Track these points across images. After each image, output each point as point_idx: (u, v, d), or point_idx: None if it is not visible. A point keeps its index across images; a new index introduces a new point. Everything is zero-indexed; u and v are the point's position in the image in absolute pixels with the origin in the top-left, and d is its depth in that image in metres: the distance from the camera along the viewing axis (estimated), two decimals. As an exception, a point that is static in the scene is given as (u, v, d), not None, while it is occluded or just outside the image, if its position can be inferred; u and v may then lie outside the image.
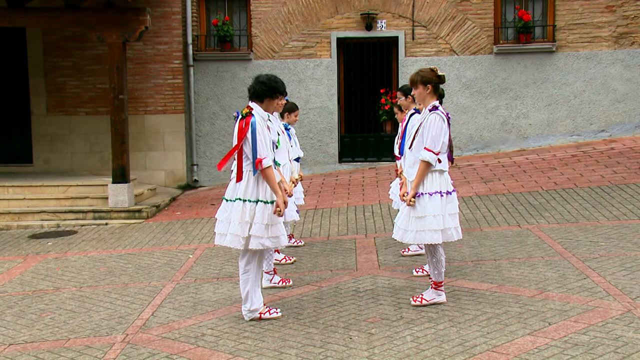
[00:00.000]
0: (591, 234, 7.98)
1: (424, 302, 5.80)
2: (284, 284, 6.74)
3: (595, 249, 7.30)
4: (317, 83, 13.98)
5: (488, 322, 5.31)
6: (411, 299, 5.92)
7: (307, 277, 7.07)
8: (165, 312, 6.22)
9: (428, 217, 5.65)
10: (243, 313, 5.79)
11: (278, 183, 5.64)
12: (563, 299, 5.73)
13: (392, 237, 6.05)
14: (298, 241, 8.54)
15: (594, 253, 7.15)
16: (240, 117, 5.64)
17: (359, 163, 14.19)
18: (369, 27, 13.83)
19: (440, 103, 5.86)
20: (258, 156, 5.50)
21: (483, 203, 10.14)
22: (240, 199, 5.61)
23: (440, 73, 5.76)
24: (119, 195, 11.30)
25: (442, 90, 6.03)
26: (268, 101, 5.71)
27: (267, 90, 5.69)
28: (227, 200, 5.73)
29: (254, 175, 5.60)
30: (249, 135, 5.53)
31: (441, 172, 5.75)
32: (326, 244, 8.59)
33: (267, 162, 5.52)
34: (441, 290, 5.85)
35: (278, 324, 5.61)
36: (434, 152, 5.63)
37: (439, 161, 5.70)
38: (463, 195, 10.66)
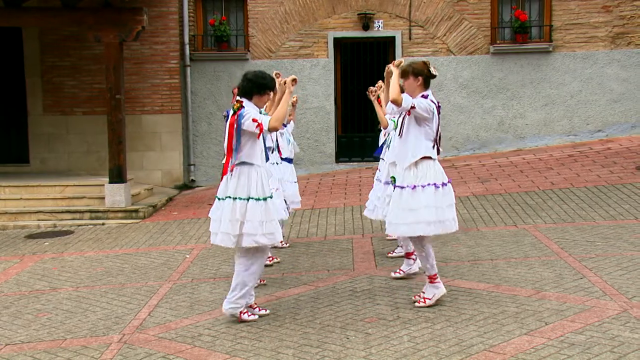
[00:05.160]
0: (588, 234, 7.99)
1: (427, 302, 5.78)
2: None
3: (591, 249, 7.31)
4: (314, 83, 13.98)
5: (485, 322, 5.32)
6: (415, 302, 5.87)
7: (304, 277, 7.07)
8: (162, 312, 6.22)
9: (421, 209, 5.64)
10: (226, 306, 5.71)
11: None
12: (560, 299, 5.74)
13: (385, 233, 6.03)
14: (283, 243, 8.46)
15: (590, 253, 7.16)
16: (232, 112, 5.64)
17: (355, 163, 14.20)
18: (366, 27, 13.84)
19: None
20: (258, 122, 5.51)
21: (480, 203, 10.15)
22: (230, 197, 5.60)
23: (432, 68, 5.76)
24: (115, 195, 11.30)
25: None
26: (257, 98, 5.72)
27: (255, 87, 5.70)
28: (219, 199, 5.73)
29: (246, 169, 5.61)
30: (240, 121, 5.55)
31: (432, 160, 5.74)
32: (323, 244, 8.59)
33: (265, 121, 5.53)
34: (438, 283, 5.83)
35: (275, 324, 5.61)
36: (410, 102, 5.59)
37: (410, 107, 5.62)
38: (460, 195, 10.66)
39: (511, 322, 5.28)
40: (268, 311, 5.88)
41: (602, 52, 13.67)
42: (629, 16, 13.58)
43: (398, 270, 6.77)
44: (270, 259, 7.54)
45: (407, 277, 6.68)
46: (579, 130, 13.83)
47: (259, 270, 5.79)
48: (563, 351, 4.64)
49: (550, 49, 13.68)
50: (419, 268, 6.62)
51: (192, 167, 13.95)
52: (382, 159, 7.67)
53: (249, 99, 5.71)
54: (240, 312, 5.72)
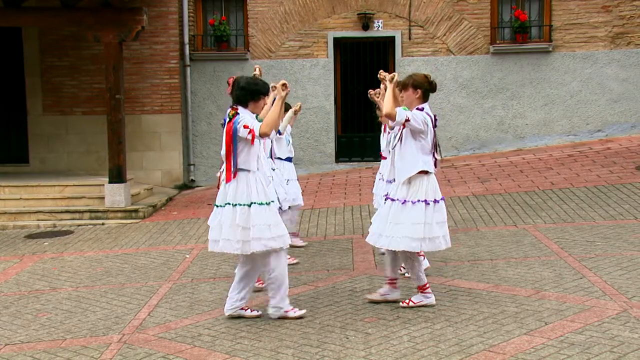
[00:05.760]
0: (587, 234, 7.99)
1: (411, 304, 5.78)
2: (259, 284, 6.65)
3: (591, 249, 7.32)
4: (313, 83, 13.98)
5: (484, 322, 5.32)
6: (400, 302, 5.89)
7: (304, 277, 7.07)
8: (162, 312, 6.22)
9: (406, 224, 5.61)
10: (270, 311, 5.74)
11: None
12: (559, 299, 5.74)
13: (366, 240, 6.01)
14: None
15: (590, 253, 7.17)
16: (228, 120, 5.65)
17: (355, 163, 14.19)
18: (365, 27, 13.84)
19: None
20: (250, 128, 5.50)
21: (480, 203, 10.16)
22: (230, 204, 5.59)
23: (432, 80, 5.76)
24: (115, 195, 11.29)
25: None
26: (252, 104, 5.71)
27: (248, 94, 5.68)
28: (217, 206, 5.71)
29: (244, 176, 5.61)
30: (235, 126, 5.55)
31: (428, 175, 5.71)
32: (323, 243, 8.59)
33: (256, 127, 5.51)
34: (429, 293, 5.82)
35: (275, 324, 5.61)
36: (404, 115, 5.57)
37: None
38: (460, 195, 10.67)
39: (511, 322, 5.28)
40: (260, 312, 5.88)
41: (602, 52, 13.67)
42: (628, 16, 13.58)
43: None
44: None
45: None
46: (579, 130, 13.83)
47: (284, 272, 5.67)
48: (563, 351, 4.64)
49: (550, 49, 13.68)
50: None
51: (191, 167, 13.94)
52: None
53: (245, 106, 5.71)
54: (285, 311, 5.70)
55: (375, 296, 5.99)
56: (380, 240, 5.78)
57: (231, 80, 6.28)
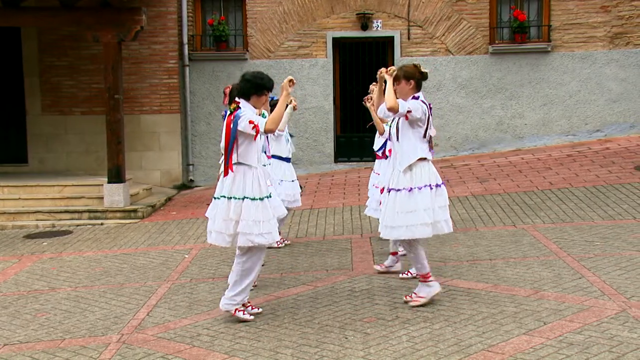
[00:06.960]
0: (586, 234, 8.00)
1: (421, 300, 5.78)
2: None
3: (590, 249, 7.32)
4: (312, 83, 13.98)
5: (483, 322, 5.32)
6: (407, 302, 5.87)
7: (303, 277, 7.07)
8: (161, 312, 6.22)
9: (419, 211, 5.64)
10: (222, 302, 5.75)
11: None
12: (558, 299, 5.74)
13: (380, 236, 6.04)
14: (284, 240, 8.50)
15: (589, 253, 7.17)
16: (229, 113, 5.66)
17: (354, 163, 14.20)
18: (364, 27, 13.84)
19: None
20: (255, 124, 5.51)
21: (479, 203, 10.16)
22: (224, 197, 5.61)
23: (423, 70, 5.80)
24: (114, 195, 11.29)
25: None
26: (255, 98, 5.74)
27: (253, 87, 5.71)
28: (215, 198, 5.75)
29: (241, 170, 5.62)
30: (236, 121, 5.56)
31: (427, 161, 5.74)
32: (322, 243, 8.59)
33: (261, 123, 5.53)
34: (431, 281, 5.83)
35: (274, 324, 5.61)
36: (407, 107, 5.60)
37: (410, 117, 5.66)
38: (459, 195, 10.68)
39: (510, 321, 5.28)
40: (261, 309, 5.88)
41: (601, 52, 13.68)
42: (627, 16, 13.59)
43: (380, 264, 6.94)
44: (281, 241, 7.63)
45: (387, 272, 6.84)
46: (578, 130, 13.84)
47: (255, 269, 5.76)
48: (562, 351, 4.65)
49: (549, 49, 13.69)
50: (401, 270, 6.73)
51: (190, 167, 13.94)
52: (381, 158, 7.68)
53: (247, 99, 5.73)
54: (235, 309, 5.73)
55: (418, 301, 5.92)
56: (394, 232, 5.76)
57: (227, 90, 6.32)
